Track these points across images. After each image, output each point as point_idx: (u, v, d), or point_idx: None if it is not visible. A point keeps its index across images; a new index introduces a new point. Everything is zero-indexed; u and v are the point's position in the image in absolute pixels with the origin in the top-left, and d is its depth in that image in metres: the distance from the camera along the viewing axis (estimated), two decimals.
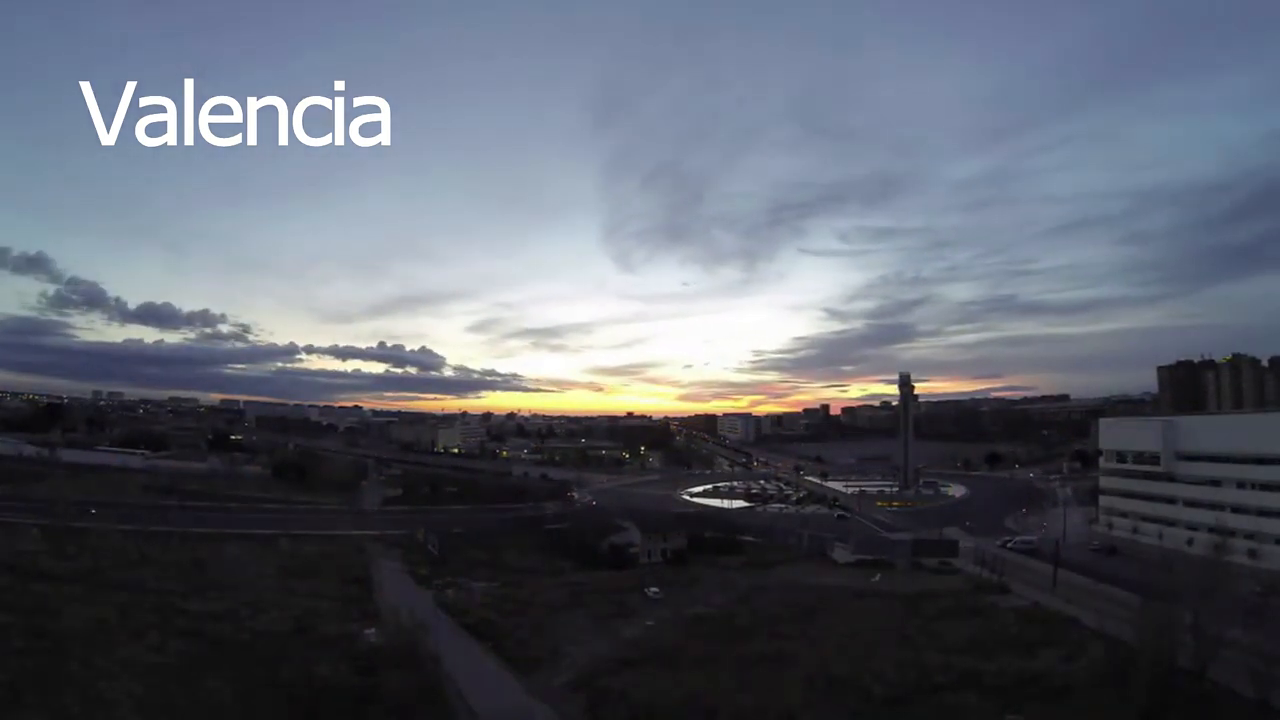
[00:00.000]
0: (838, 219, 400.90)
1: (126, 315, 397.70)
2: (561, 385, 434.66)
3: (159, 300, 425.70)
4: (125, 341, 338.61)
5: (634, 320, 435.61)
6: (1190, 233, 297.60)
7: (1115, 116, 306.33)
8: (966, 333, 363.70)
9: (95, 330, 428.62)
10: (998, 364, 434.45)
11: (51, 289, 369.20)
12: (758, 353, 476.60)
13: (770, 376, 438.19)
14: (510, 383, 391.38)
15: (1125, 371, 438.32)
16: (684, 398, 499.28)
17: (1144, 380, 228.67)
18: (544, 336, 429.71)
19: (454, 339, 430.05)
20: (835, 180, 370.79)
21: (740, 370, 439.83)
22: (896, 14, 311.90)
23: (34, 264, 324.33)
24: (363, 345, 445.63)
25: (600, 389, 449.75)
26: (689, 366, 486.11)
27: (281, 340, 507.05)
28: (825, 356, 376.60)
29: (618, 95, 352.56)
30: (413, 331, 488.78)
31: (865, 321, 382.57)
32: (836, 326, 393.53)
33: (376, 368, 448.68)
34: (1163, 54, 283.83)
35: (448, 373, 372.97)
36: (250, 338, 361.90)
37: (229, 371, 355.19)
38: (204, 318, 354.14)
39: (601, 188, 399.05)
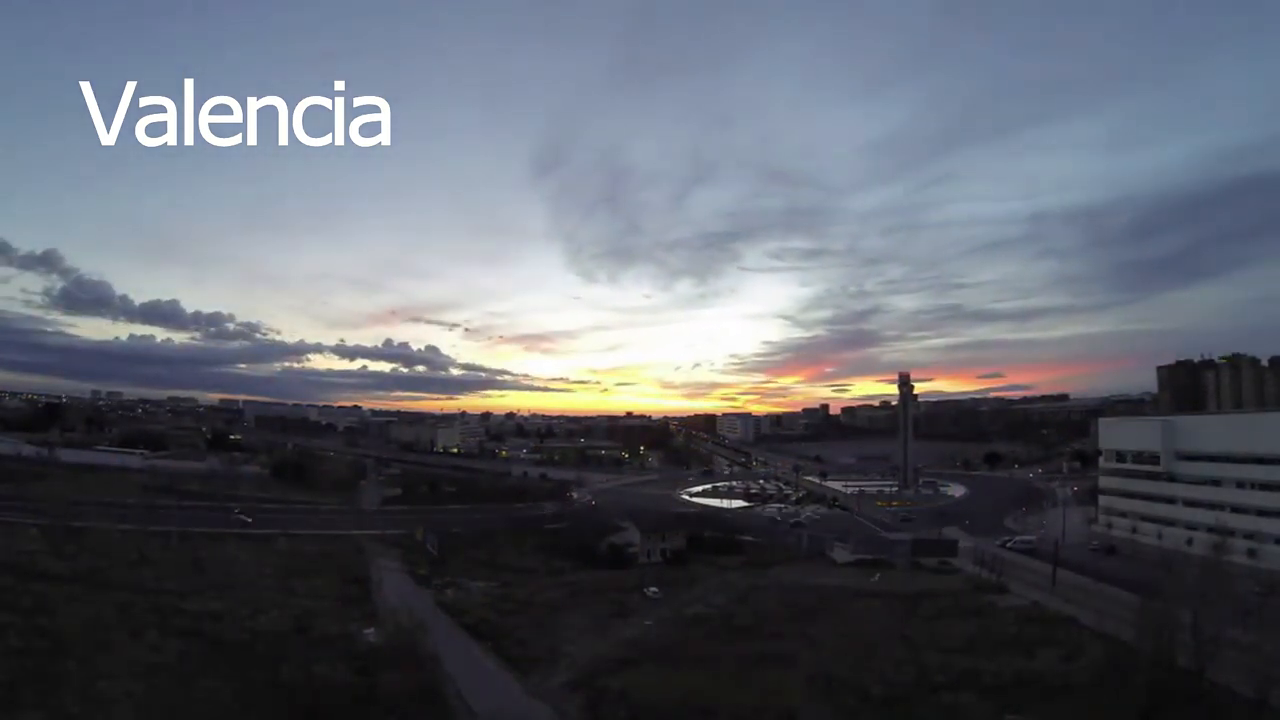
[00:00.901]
0: (766, 242, 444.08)
1: (132, 314, 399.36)
2: (565, 383, 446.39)
3: (165, 298, 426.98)
4: (130, 339, 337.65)
5: (617, 327, 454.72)
6: (1096, 250, 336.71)
7: (992, 155, 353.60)
8: (929, 338, 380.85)
9: (100, 329, 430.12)
10: (978, 365, 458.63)
11: (58, 286, 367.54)
12: (737, 357, 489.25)
13: (758, 378, 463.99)
14: (520, 382, 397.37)
15: (1110, 373, 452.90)
16: (683, 397, 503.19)
17: (1130, 381, 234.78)
18: (535, 341, 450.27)
19: (451, 343, 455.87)
20: (754, 211, 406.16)
21: (726, 371, 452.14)
22: (794, 65, 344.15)
23: (41, 262, 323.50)
24: (369, 345, 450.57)
25: (605, 390, 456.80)
26: (678, 368, 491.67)
27: (290, 339, 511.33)
28: (803, 359, 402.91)
29: (554, 144, 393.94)
30: (412, 336, 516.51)
31: (827, 328, 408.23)
32: (802, 333, 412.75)
33: (384, 366, 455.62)
34: (1030, 104, 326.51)
35: (455, 371, 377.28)
36: (258, 336, 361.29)
37: (234, 371, 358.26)
38: (211, 318, 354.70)
39: (554, 219, 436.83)
